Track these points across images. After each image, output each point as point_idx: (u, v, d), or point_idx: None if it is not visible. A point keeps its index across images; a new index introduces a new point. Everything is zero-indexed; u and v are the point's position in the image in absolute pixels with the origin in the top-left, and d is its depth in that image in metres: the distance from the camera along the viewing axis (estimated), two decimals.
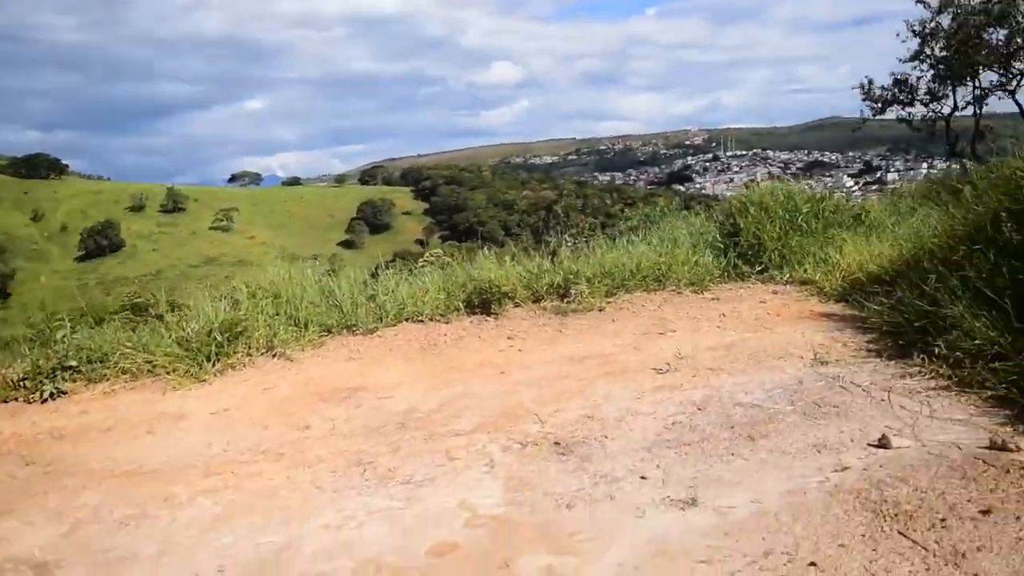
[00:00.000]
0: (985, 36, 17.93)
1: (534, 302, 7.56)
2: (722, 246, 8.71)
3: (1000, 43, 17.97)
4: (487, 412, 4.94)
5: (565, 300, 7.48)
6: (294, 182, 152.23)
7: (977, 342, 4.72)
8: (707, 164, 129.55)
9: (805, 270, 8.08)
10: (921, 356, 5.02)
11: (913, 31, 18.47)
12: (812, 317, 6.63)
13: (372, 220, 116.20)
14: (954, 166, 18.60)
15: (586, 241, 9.35)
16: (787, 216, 8.84)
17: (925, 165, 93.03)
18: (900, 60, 18.88)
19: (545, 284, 7.66)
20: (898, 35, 18.72)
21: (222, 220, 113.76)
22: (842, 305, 6.92)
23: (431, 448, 4.44)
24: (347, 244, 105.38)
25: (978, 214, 6.01)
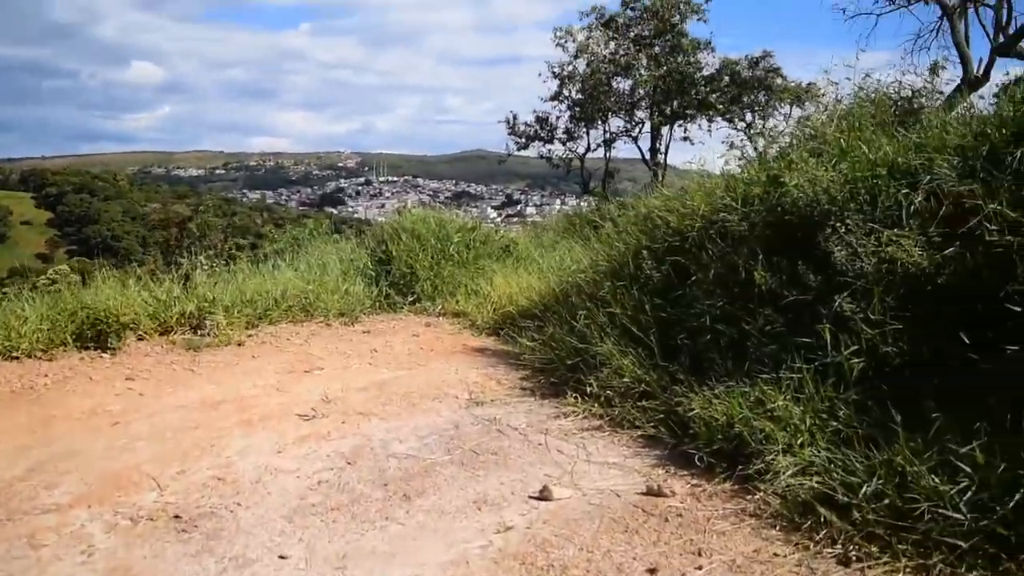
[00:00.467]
0: (614, 84, 19.73)
1: (161, 335, 6.57)
2: (374, 274, 8.34)
3: (626, 92, 19.86)
4: (91, 477, 3.99)
5: (199, 332, 6.59)
6: None
7: (626, 380, 4.74)
8: (360, 188, 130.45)
9: (457, 301, 7.95)
10: (574, 395, 4.95)
11: (553, 72, 19.81)
12: (466, 352, 6.43)
13: None
14: (583, 203, 20.16)
15: (226, 264, 8.48)
16: (439, 245, 8.71)
17: (559, 201, 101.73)
18: (541, 99, 20.09)
19: (175, 313, 6.68)
20: (540, 75, 19.95)
21: None
22: (495, 339, 6.83)
23: (9, 533, 3.42)
24: None
25: (620, 251, 6.18)
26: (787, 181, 4.79)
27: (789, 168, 4.90)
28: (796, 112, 18.96)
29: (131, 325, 6.41)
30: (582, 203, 20.00)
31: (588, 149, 20.24)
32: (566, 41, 19.49)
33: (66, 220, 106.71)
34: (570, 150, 20.35)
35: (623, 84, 19.81)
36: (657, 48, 19.67)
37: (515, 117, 20.33)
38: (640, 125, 20.04)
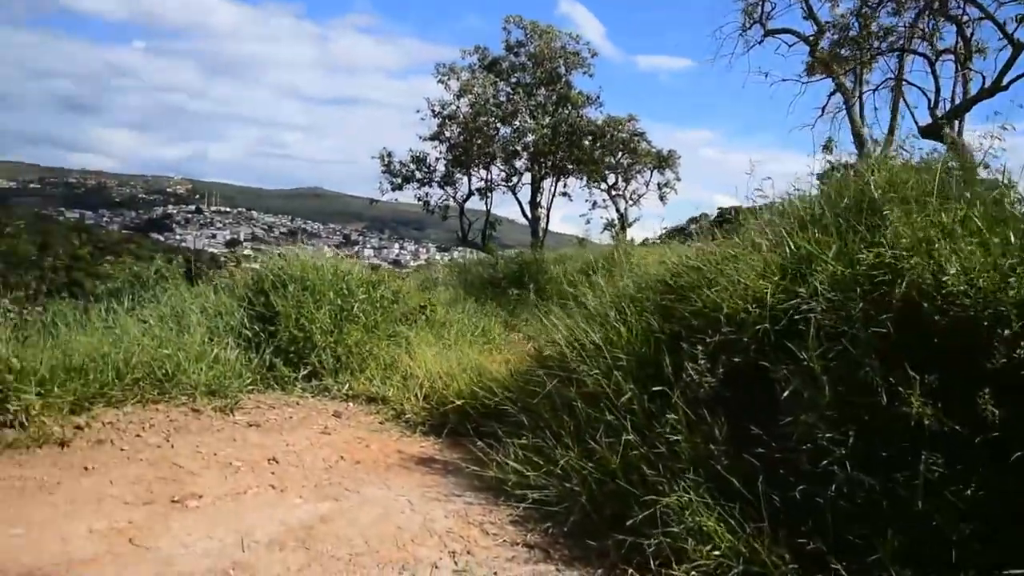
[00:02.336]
0: (496, 129, 18.46)
1: None
2: (251, 336, 6.21)
3: (507, 139, 18.59)
4: None
5: None
6: None
7: (717, 554, 3.02)
8: (190, 215, 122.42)
9: (371, 380, 5.99)
10: (622, 566, 3.18)
11: (433, 110, 18.23)
12: (408, 465, 4.51)
13: None
14: (465, 254, 18.59)
15: (40, 309, 6.27)
16: (339, 301, 6.68)
17: (397, 246, 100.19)
18: (420, 138, 18.57)
19: None
20: (418, 112, 18.43)
21: None
22: (438, 442, 4.96)
23: None
24: None
25: (621, 333, 4.52)
26: (946, 264, 3.30)
27: (949, 237, 3.42)
28: (657, 177, 18.65)
29: None
30: (466, 254, 18.40)
31: (469, 195, 18.80)
32: (448, 78, 18.01)
33: None
34: (449, 195, 18.84)
35: (504, 131, 18.60)
36: (541, 97, 18.64)
37: (390, 155, 18.53)
38: (519, 176, 18.85)
